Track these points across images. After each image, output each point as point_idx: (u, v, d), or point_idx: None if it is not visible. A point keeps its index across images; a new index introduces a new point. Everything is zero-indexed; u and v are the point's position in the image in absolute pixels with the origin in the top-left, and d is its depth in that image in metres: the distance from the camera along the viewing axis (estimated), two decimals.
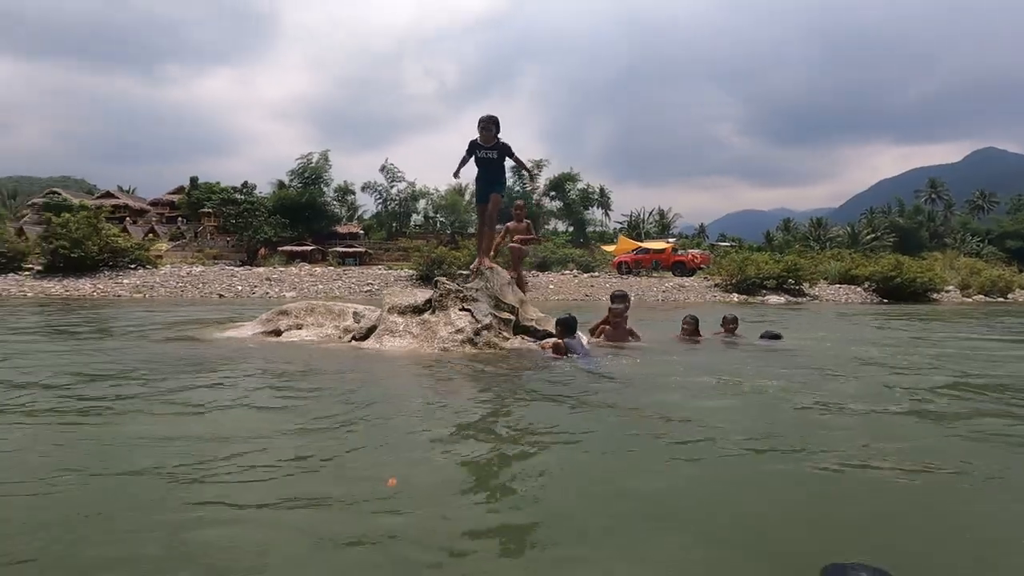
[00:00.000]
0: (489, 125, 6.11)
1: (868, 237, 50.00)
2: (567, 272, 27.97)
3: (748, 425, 3.03)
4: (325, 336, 6.40)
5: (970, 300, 26.03)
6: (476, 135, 6.22)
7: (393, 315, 6.02)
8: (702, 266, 29.48)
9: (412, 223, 51.59)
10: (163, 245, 42.03)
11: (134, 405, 3.29)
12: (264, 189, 46.23)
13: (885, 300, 24.57)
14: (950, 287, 27.66)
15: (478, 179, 6.47)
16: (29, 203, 42.25)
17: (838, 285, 27.29)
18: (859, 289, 26.33)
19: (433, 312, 6.00)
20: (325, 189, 46.21)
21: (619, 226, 56.21)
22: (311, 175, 44.25)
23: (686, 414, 3.21)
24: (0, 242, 18.82)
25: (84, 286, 17.80)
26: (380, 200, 49.62)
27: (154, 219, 46.62)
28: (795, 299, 23.68)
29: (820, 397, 3.71)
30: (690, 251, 32.18)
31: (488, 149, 6.21)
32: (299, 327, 6.58)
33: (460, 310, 5.94)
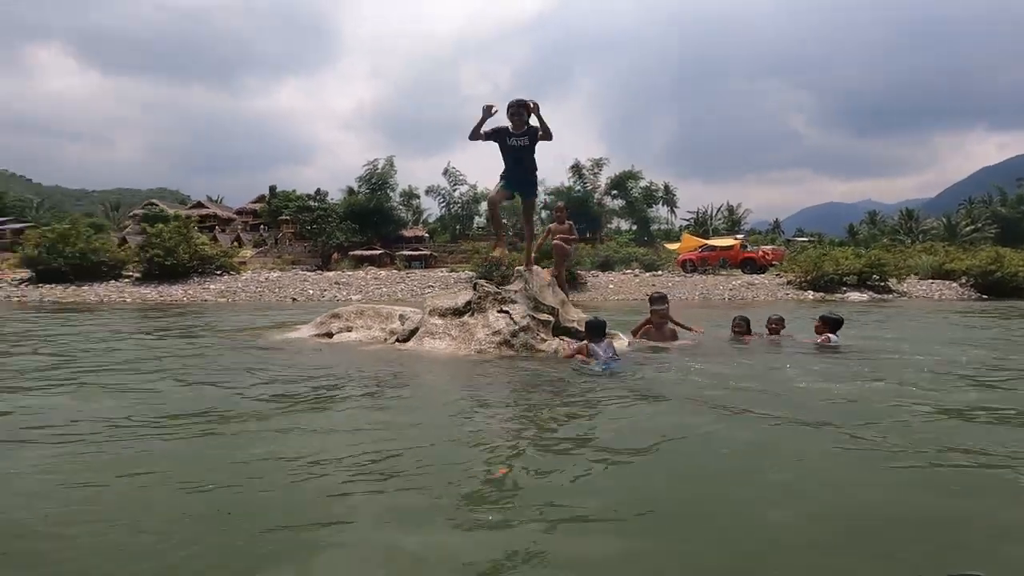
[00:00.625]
0: (520, 110, 5.56)
1: (967, 229, 45.48)
2: (628, 271, 27.41)
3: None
4: (372, 338, 6.66)
5: None
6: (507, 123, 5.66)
7: (434, 317, 6.17)
8: (774, 263, 27.99)
9: (475, 225, 52.45)
10: (247, 252, 45.23)
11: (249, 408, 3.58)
12: (335, 196, 48.63)
13: (984, 296, 22.28)
14: None
15: (509, 172, 5.88)
16: (130, 214, 46.76)
17: (930, 281, 25.04)
18: (954, 285, 24.02)
19: (472, 314, 6.09)
20: (391, 194, 47.87)
21: (685, 223, 54.43)
22: (377, 181, 46.00)
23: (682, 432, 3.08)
24: (103, 252, 20.89)
25: (176, 292, 19.45)
26: (443, 203, 50.82)
27: (239, 227, 50.20)
28: (880, 296, 21.97)
29: (845, 398, 3.44)
30: (761, 247, 30.61)
31: (519, 136, 5.69)
32: (349, 329, 6.89)
33: (498, 312, 5.99)
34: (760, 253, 28.73)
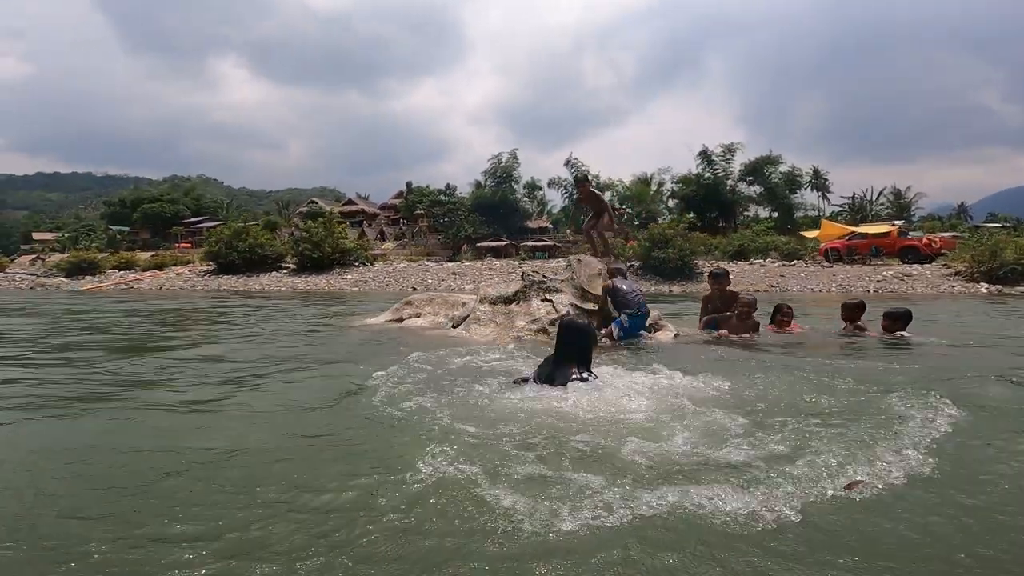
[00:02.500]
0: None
1: None
2: (756, 261, 25.33)
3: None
4: (436, 323, 7.20)
5: None
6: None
7: (484, 305, 6.51)
8: (943, 251, 23.91)
9: None
10: (389, 244, 49.74)
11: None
12: (464, 190, 51.28)
13: None
14: None
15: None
16: (297, 212, 53.89)
17: None
18: None
19: (518, 303, 6.32)
20: (515, 187, 49.18)
21: (837, 209, 48.51)
22: (502, 174, 47.50)
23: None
24: (267, 247, 24.50)
25: (320, 281, 22.21)
26: (567, 194, 50.96)
27: (383, 222, 55.23)
28: None
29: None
30: (926, 235, 26.31)
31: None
32: (418, 316, 7.51)
33: (542, 300, 6.15)
34: (925, 240, 24.72)
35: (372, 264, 25.54)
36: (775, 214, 47.36)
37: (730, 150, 46.29)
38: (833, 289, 19.46)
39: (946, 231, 32.21)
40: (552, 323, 5.84)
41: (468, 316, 6.51)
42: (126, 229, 51.76)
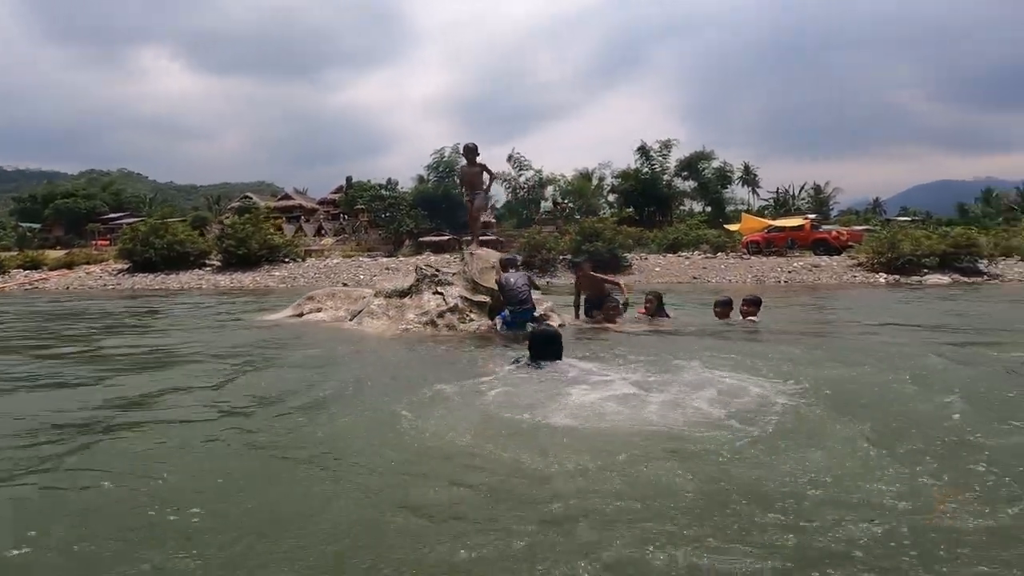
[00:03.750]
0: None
1: None
2: (683, 254, 26.41)
3: None
4: (336, 317, 7.21)
5: None
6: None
7: (379, 298, 6.58)
8: (851, 244, 25.70)
9: (542, 210, 52.49)
10: (328, 240, 48.47)
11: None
12: (409, 184, 50.58)
13: None
14: None
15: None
16: (229, 207, 51.63)
17: None
18: None
19: (411, 296, 6.43)
20: (458, 181, 48.97)
21: (764, 204, 51.10)
22: (445, 168, 47.21)
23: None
24: (189, 243, 23.45)
25: (245, 279, 21.48)
26: (509, 189, 51.22)
27: (322, 217, 53.78)
28: (967, 279, 19.63)
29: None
30: (836, 228, 28.22)
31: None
32: (319, 310, 7.49)
33: (433, 293, 6.28)
34: (834, 233, 26.49)
35: (303, 260, 24.92)
36: (708, 208, 49.43)
37: (667, 146, 47.79)
38: (749, 280, 20.59)
39: (861, 225, 34.60)
40: (440, 315, 5.99)
41: (363, 310, 6.56)
42: (37, 226, 48.16)
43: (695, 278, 21.04)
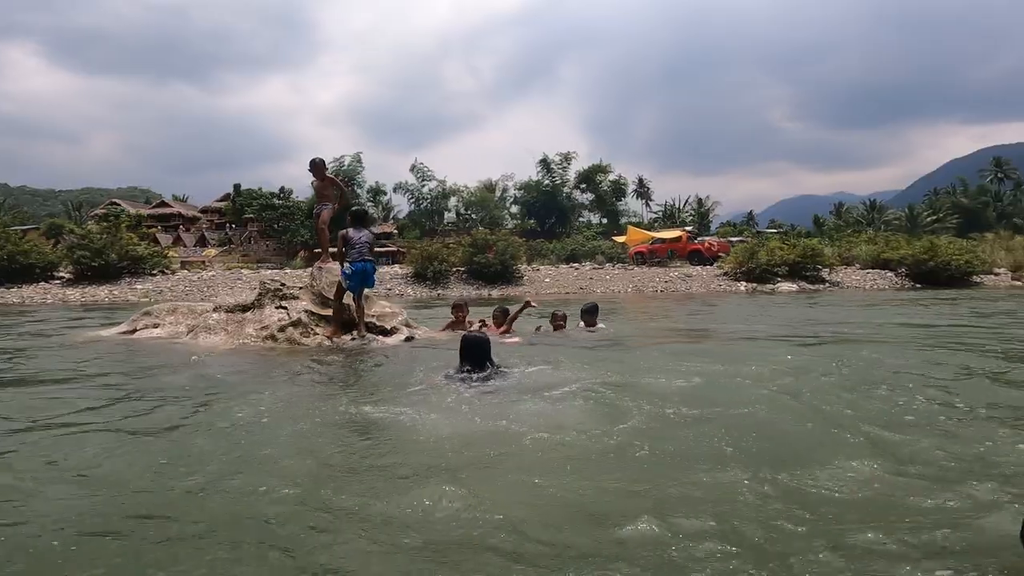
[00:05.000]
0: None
1: (929, 219, 45.91)
2: (574, 265, 27.59)
3: None
4: (174, 333, 6.75)
5: (1021, 283, 23.44)
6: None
7: (217, 313, 6.28)
8: (720, 254, 28.23)
9: (445, 221, 52.46)
10: (211, 251, 45.07)
11: None
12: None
13: (918, 285, 22.59)
14: (1000, 269, 25.01)
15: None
16: (91, 214, 46.44)
17: (868, 270, 25.34)
18: (890, 274, 24.33)
19: (253, 310, 6.20)
20: (359, 191, 47.75)
21: (654, 217, 54.71)
22: (344, 178, 45.82)
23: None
24: (33, 254, 20.82)
25: (101, 292, 19.44)
26: (412, 200, 50.78)
27: (204, 226, 49.96)
28: (812, 287, 22.25)
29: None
30: (707, 239, 30.90)
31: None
32: (156, 326, 6.97)
33: (276, 308, 6.10)
34: (706, 245, 28.98)
35: (172, 273, 22.99)
36: (604, 220, 52.06)
37: (567, 158, 49.83)
38: (630, 290, 21.93)
39: (737, 236, 38.06)
40: (281, 329, 5.83)
41: (199, 324, 6.22)
42: None
43: (583, 288, 22.03)
